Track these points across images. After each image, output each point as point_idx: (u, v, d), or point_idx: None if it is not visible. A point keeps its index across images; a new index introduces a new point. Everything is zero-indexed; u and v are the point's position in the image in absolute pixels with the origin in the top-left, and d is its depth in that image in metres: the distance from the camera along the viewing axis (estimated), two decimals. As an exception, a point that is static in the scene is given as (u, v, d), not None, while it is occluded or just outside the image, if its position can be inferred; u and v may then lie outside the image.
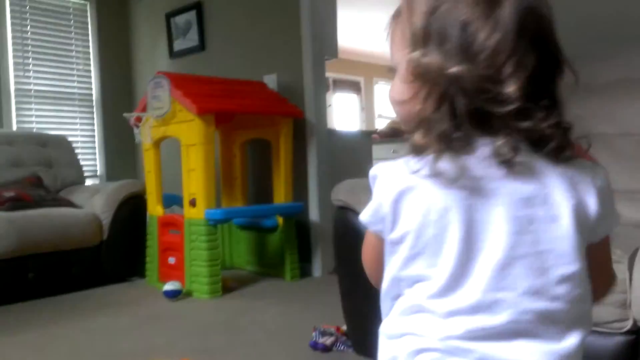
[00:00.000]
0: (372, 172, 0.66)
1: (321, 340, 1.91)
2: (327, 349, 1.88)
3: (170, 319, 2.42)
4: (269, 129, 3.26)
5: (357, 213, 1.73)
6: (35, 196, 2.99)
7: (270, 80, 3.50)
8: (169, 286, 2.73)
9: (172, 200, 3.40)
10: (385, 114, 9.29)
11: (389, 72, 0.72)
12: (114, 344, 2.10)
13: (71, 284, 3.00)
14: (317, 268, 3.28)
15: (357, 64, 8.66)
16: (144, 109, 3.08)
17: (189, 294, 2.81)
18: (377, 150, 4.71)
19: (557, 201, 0.59)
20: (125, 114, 3.16)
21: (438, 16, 0.59)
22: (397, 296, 0.67)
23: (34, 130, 3.91)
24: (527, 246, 0.59)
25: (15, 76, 3.88)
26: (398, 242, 0.63)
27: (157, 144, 3.13)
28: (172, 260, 2.96)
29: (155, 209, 3.14)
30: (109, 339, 2.17)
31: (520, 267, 0.59)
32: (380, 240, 0.67)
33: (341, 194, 1.75)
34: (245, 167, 3.58)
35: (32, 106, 3.98)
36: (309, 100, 3.34)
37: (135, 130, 3.12)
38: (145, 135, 3.07)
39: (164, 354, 1.94)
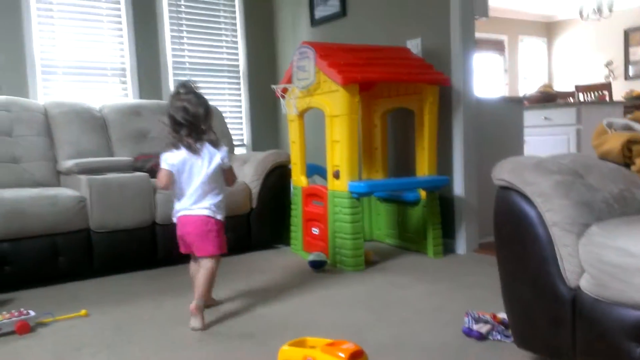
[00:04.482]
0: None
1: (475, 327, 1.80)
2: (482, 337, 1.77)
3: (316, 290, 2.47)
4: (412, 98, 3.13)
5: (521, 194, 1.57)
6: (192, 165, 3.20)
7: (414, 45, 3.34)
8: (313, 257, 2.79)
9: (313, 170, 3.45)
10: (531, 76, 8.58)
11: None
12: (268, 310, 2.19)
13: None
14: (461, 245, 3.13)
15: (501, 20, 8.02)
16: (289, 80, 3.11)
17: (332, 265, 2.85)
18: (527, 116, 4.33)
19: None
20: (273, 86, 3.23)
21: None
22: None
23: (189, 101, 4.17)
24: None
25: (172, 49, 4.15)
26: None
27: (302, 114, 3.16)
28: (315, 230, 3.01)
29: (299, 179, 3.20)
30: (262, 304, 2.27)
31: None
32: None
33: (505, 173, 1.60)
34: (385, 138, 3.49)
35: (187, 77, 4.24)
36: (456, 66, 3.13)
37: (282, 101, 3.17)
38: (291, 106, 3.11)
39: (313, 326, 1.98)
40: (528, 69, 8.67)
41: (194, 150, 2.02)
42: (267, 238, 3.39)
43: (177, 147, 2.03)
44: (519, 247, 1.58)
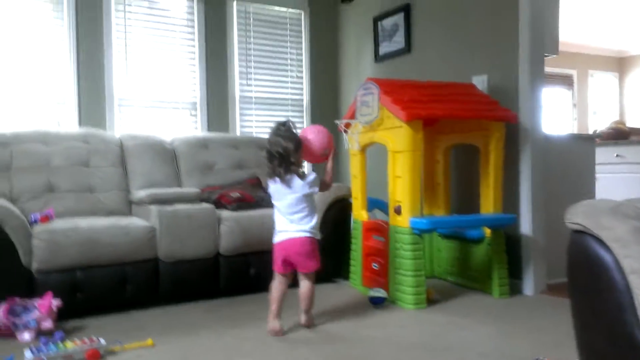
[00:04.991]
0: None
1: (545, 376, 1.72)
2: (552, 387, 1.68)
3: (375, 327, 2.43)
4: (477, 134, 3.08)
5: (597, 239, 1.50)
6: (256, 197, 3.27)
7: (480, 82, 3.31)
8: (374, 293, 2.76)
9: (373, 204, 3.44)
10: (601, 111, 8.24)
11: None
12: (326, 344, 2.17)
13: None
14: (529, 286, 3.00)
15: (570, 54, 7.78)
16: (352, 115, 3.15)
17: (392, 302, 2.80)
18: (598, 153, 4.16)
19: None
20: (336, 121, 3.27)
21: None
22: None
23: (254, 134, 4.31)
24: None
25: (240, 84, 4.32)
26: None
27: (364, 149, 3.18)
28: (375, 265, 2.99)
29: (360, 213, 3.19)
30: (320, 338, 2.25)
31: None
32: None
33: (579, 216, 1.53)
34: (448, 174, 3.44)
35: (253, 112, 4.39)
36: (524, 103, 3.07)
37: (344, 136, 3.21)
38: (353, 141, 3.14)
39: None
40: (598, 104, 8.34)
41: (283, 181, 2.38)
42: (326, 271, 3.37)
43: (272, 178, 2.42)
44: (593, 294, 1.50)
